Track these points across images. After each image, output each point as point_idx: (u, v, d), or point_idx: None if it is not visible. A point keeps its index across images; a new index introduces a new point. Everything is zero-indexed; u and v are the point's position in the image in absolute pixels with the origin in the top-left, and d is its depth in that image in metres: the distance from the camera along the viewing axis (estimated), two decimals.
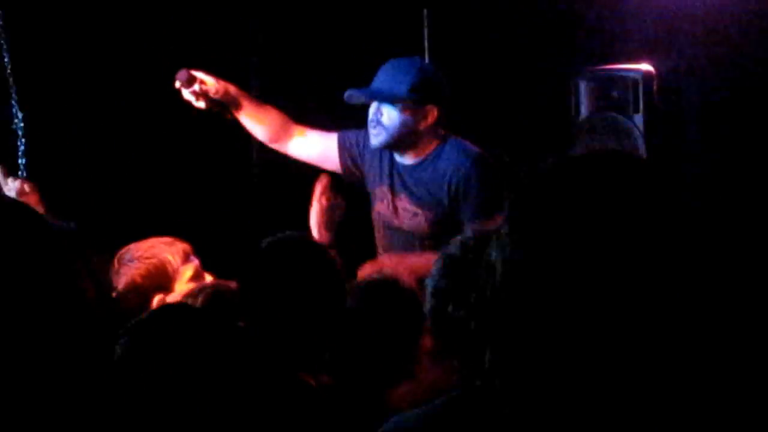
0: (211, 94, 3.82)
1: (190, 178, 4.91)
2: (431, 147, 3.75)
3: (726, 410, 2.01)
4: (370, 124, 3.73)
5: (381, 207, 3.85)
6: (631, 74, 4.80)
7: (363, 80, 3.77)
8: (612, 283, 1.37)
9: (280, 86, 4.48)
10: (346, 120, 3.96)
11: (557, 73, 4.98)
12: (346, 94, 3.75)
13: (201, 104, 3.83)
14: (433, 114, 3.70)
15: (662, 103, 4.81)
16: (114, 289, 3.27)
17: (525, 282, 1.37)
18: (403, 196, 3.79)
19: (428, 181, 3.73)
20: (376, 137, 3.73)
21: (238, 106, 3.90)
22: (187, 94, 3.82)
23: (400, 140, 3.73)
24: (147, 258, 3.28)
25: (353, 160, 3.93)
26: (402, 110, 3.68)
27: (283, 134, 3.96)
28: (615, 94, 4.83)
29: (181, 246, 3.36)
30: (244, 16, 4.99)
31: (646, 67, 4.81)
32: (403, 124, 3.69)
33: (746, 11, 4.64)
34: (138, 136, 4.86)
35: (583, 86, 4.90)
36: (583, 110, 4.90)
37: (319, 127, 4.01)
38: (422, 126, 3.71)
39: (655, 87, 4.79)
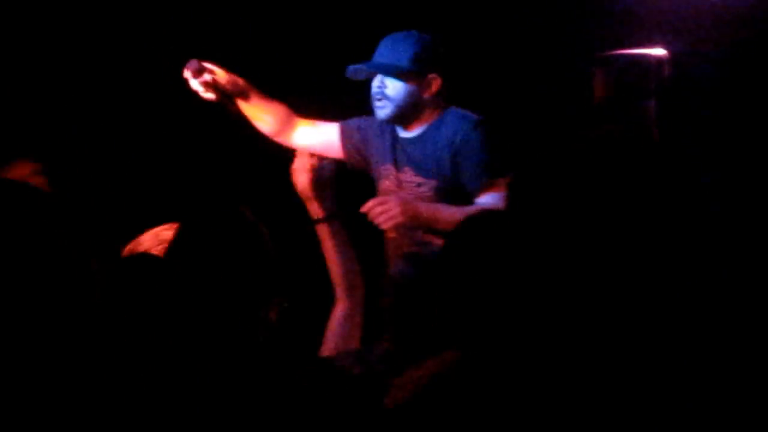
0: (220, 86, 3.85)
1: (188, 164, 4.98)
2: (433, 117, 3.82)
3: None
4: (375, 98, 3.80)
5: (386, 184, 3.91)
6: (645, 59, 4.80)
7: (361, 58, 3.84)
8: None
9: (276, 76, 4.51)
10: (344, 106, 4.04)
11: (570, 59, 4.98)
12: (349, 69, 3.82)
13: (209, 95, 3.85)
14: (436, 83, 3.79)
15: (675, 88, 4.80)
16: None
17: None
18: (406, 168, 3.85)
19: (430, 149, 3.80)
20: (382, 110, 3.80)
21: (245, 99, 3.94)
22: (195, 84, 3.82)
23: (406, 111, 3.80)
24: (155, 246, 3.28)
25: (356, 146, 3.99)
26: (406, 81, 3.76)
27: (287, 127, 4.01)
28: (629, 78, 4.83)
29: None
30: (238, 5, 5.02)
31: (659, 51, 4.81)
32: (408, 95, 3.77)
33: None
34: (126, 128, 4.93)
35: (596, 71, 4.90)
36: (597, 94, 4.90)
37: (320, 117, 4.06)
38: (426, 95, 3.79)
39: (668, 72, 4.79)
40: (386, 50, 3.79)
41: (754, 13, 4.68)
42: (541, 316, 2.22)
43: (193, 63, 3.80)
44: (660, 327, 2.35)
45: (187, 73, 3.82)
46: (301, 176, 3.20)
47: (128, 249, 3.34)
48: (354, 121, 4.01)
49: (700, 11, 4.79)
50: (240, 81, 3.91)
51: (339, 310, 3.27)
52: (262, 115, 3.98)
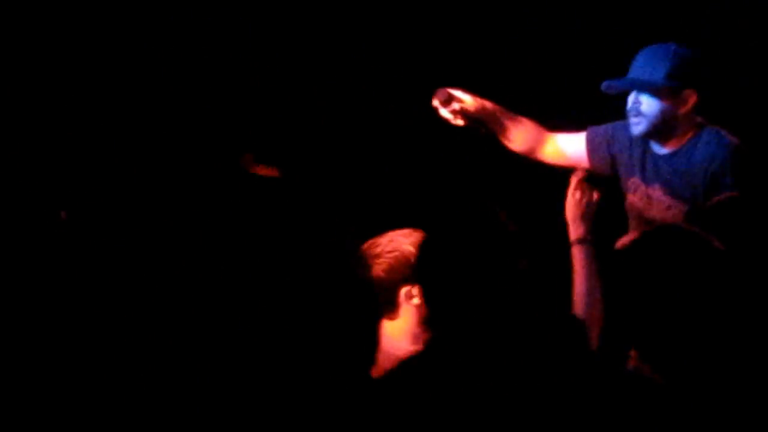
0: (469, 112, 3.85)
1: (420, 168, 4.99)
2: (688, 135, 3.73)
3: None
4: (630, 113, 3.74)
5: (633, 198, 3.85)
6: None
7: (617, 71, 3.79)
8: None
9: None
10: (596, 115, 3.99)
11: None
12: (604, 85, 3.76)
13: (459, 122, 3.87)
14: (692, 99, 3.69)
15: None
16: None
17: None
18: (656, 186, 3.78)
19: (684, 171, 3.71)
20: (637, 126, 3.74)
21: (494, 121, 3.93)
22: (445, 113, 3.86)
23: (661, 128, 3.72)
24: (389, 252, 3.32)
25: (602, 156, 3.94)
26: (661, 97, 3.68)
27: (537, 144, 4.00)
28: None
29: (419, 236, 3.36)
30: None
31: None
32: (663, 111, 3.69)
33: None
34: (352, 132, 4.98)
35: None
36: None
37: (567, 128, 4.02)
38: (681, 111, 3.70)
39: None
40: (642, 64, 3.72)
41: None
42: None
43: (442, 93, 3.83)
44: None
45: (436, 103, 3.85)
46: (572, 199, 3.24)
47: (365, 247, 3.38)
48: (601, 130, 3.96)
49: None
50: (488, 104, 3.91)
51: None
52: (512, 135, 3.97)
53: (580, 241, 3.17)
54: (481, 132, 3.94)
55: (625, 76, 3.75)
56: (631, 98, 3.73)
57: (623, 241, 3.57)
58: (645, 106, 3.69)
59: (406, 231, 3.40)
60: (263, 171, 3.96)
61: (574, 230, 3.22)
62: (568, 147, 3.99)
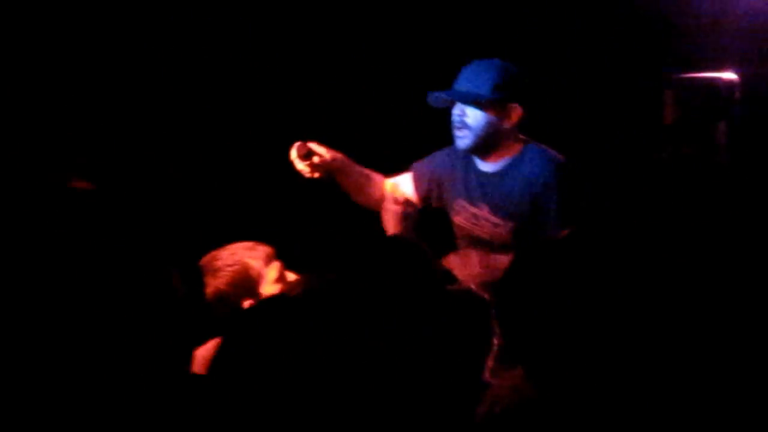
0: (325, 165, 3.79)
1: (267, 180, 4.98)
2: (513, 152, 3.75)
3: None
4: (455, 126, 3.73)
5: (460, 220, 3.85)
6: (715, 82, 4.86)
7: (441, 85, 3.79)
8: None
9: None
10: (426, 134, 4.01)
11: (644, 80, 4.97)
12: (430, 96, 3.74)
13: (315, 175, 3.80)
14: (516, 113, 3.70)
15: (746, 111, 4.85)
16: (204, 296, 3.33)
17: None
18: (482, 205, 3.78)
19: (509, 189, 3.72)
20: (462, 140, 3.72)
21: (346, 175, 3.88)
22: (301, 166, 3.78)
23: (486, 141, 3.72)
24: (230, 265, 3.33)
25: (428, 187, 3.93)
26: (486, 110, 3.68)
27: (381, 197, 3.89)
28: (698, 101, 4.89)
29: (262, 249, 3.40)
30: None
31: (729, 75, 4.86)
32: (488, 124, 3.69)
33: None
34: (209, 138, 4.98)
35: (667, 93, 4.97)
36: (668, 117, 4.97)
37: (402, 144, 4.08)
38: (506, 125, 3.70)
39: (738, 95, 4.84)
40: (468, 77, 3.70)
41: None
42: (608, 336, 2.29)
43: (301, 147, 3.77)
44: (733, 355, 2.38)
45: (293, 155, 3.78)
46: (391, 219, 3.34)
47: (204, 262, 3.39)
48: (423, 162, 3.97)
49: None
50: (342, 158, 3.85)
51: None
52: (360, 189, 3.92)
53: None
54: (333, 184, 3.89)
55: (451, 89, 3.74)
56: (456, 110, 3.71)
57: (452, 262, 3.65)
58: (470, 118, 3.68)
59: (248, 244, 3.41)
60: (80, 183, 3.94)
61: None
62: (405, 188, 3.93)
